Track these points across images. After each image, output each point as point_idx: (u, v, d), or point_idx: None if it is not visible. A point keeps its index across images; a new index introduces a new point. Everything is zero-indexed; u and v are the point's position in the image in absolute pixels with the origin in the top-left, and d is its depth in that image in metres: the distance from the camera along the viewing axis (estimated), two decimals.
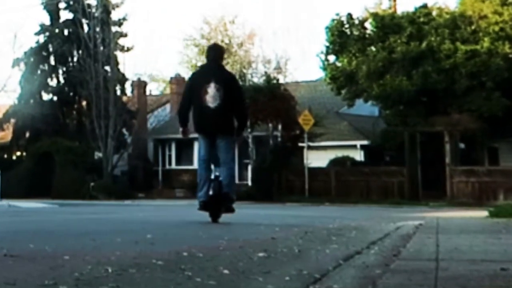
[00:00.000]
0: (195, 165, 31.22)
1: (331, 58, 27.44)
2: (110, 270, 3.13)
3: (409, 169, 23.47)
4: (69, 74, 31.77)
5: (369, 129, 28.67)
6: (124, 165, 31.65)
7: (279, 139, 25.79)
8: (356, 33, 26.86)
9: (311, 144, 24.82)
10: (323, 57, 27.46)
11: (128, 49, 31.96)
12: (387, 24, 25.90)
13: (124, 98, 32.23)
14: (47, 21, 32.37)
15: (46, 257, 3.72)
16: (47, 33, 32.20)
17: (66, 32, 31.97)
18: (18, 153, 33.34)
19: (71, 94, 32.11)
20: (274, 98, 24.90)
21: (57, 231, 6.32)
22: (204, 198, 7.41)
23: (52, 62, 32.24)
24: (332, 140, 27.48)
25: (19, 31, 56.18)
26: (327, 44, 27.13)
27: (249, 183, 26.23)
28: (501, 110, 23.61)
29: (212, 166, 7.64)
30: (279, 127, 25.67)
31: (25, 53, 32.21)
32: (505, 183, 21.69)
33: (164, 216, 10.41)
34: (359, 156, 28.10)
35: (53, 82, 32.40)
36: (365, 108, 29.48)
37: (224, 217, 7.58)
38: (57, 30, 32.09)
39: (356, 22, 27.03)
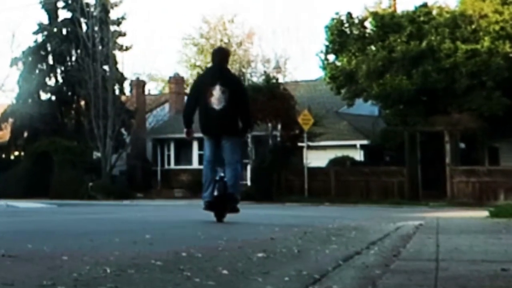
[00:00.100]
0: (194, 165, 31.54)
1: (331, 57, 27.46)
2: (108, 271, 3.12)
3: (409, 169, 23.47)
4: (67, 73, 31.75)
5: (369, 129, 28.67)
6: (122, 165, 31.64)
7: (279, 138, 25.78)
8: (356, 32, 26.86)
9: (310, 143, 24.82)
10: (322, 56, 27.48)
11: (127, 49, 31.93)
12: (387, 23, 25.90)
13: (123, 98, 32.19)
14: (45, 20, 32.36)
15: (44, 257, 3.70)
16: (45, 32, 32.17)
17: (64, 31, 31.96)
18: (16, 153, 33.32)
19: (70, 93, 32.08)
20: (274, 98, 24.89)
21: (56, 231, 6.30)
22: (209, 199, 7.56)
23: (51, 61, 32.21)
24: (331, 139, 27.49)
25: (17, 30, 56.42)
26: (327, 43, 27.13)
27: (248, 183, 26.21)
28: (502, 109, 23.61)
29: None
30: (279, 126, 25.66)
31: (23, 52, 32.19)
32: (505, 183, 21.69)
33: (163, 216, 10.39)
34: (358, 156, 28.11)
35: (51, 82, 32.38)
36: (365, 107, 29.48)
37: (226, 217, 7.66)
38: (55, 29, 32.07)
39: (356, 21, 27.04)
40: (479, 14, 24.75)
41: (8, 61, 33.15)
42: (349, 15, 26.99)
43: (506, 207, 10.10)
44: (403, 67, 24.60)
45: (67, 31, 31.73)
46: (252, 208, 13.52)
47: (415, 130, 23.85)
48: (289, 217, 10.28)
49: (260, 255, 3.92)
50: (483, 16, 24.66)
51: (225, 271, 3.19)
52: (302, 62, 52.50)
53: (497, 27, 24.13)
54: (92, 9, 30.54)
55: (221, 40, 40.54)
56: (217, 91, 7.52)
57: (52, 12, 32.14)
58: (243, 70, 33.47)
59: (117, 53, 31.45)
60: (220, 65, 7.89)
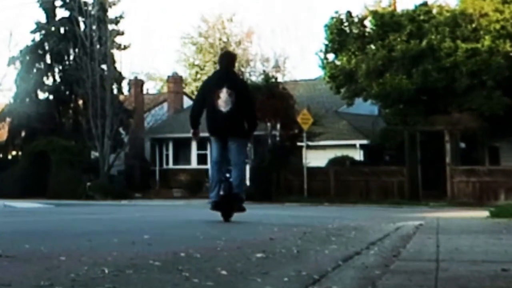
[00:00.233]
0: (193, 164, 31.53)
1: (330, 56, 27.43)
2: (106, 271, 3.12)
3: (409, 169, 23.46)
4: (65, 72, 31.71)
5: (369, 128, 28.67)
6: (120, 164, 31.60)
7: (278, 138, 25.77)
8: (355, 31, 26.83)
9: (310, 143, 24.81)
10: (322, 55, 27.45)
11: (125, 47, 31.89)
12: (387, 22, 25.89)
13: (121, 97, 32.19)
14: (43, 19, 32.30)
15: (42, 257, 3.70)
16: (43, 31, 32.12)
17: (62, 30, 31.91)
18: (14, 153, 33.31)
19: (67, 93, 32.03)
20: (273, 97, 24.88)
21: (53, 232, 6.29)
22: (215, 199, 7.79)
23: (48, 60, 32.17)
24: (331, 139, 27.48)
25: (15, 29, 56.28)
26: (326, 42, 27.11)
27: (248, 182, 26.18)
28: (502, 109, 23.59)
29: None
30: (278, 126, 25.64)
31: (21, 51, 32.14)
32: (506, 183, 21.68)
33: (161, 217, 10.40)
34: (358, 155, 28.11)
35: (49, 81, 32.32)
36: (365, 107, 29.46)
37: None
38: (53, 28, 32.01)
39: (356, 20, 27.01)
40: (479, 13, 24.73)
41: (5, 60, 33.21)
42: (349, 14, 26.97)
43: (507, 207, 10.10)
44: (403, 66, 24.59)
45: (65, 30, 31.69)
46: (251, 208, 13.45)
47: (415, 130, 23.84)
48: (289, 217, 10.27)
49: (259, 255, 3.91)
50: (484, 15, 24.64)
51: (224, 272, 3.19)
52: (301, 61, 52.65)
53: (497, 26, 24.11)
54: (90, 8, 30.51)
55: (220, 39, 40.55)
56: (224, 94, 7.76)
57: (49, 11, 32.09)
58: (242, 69, 33.44)
59: (115, 52, 31.45)
60: (227, 68, 8.15)
